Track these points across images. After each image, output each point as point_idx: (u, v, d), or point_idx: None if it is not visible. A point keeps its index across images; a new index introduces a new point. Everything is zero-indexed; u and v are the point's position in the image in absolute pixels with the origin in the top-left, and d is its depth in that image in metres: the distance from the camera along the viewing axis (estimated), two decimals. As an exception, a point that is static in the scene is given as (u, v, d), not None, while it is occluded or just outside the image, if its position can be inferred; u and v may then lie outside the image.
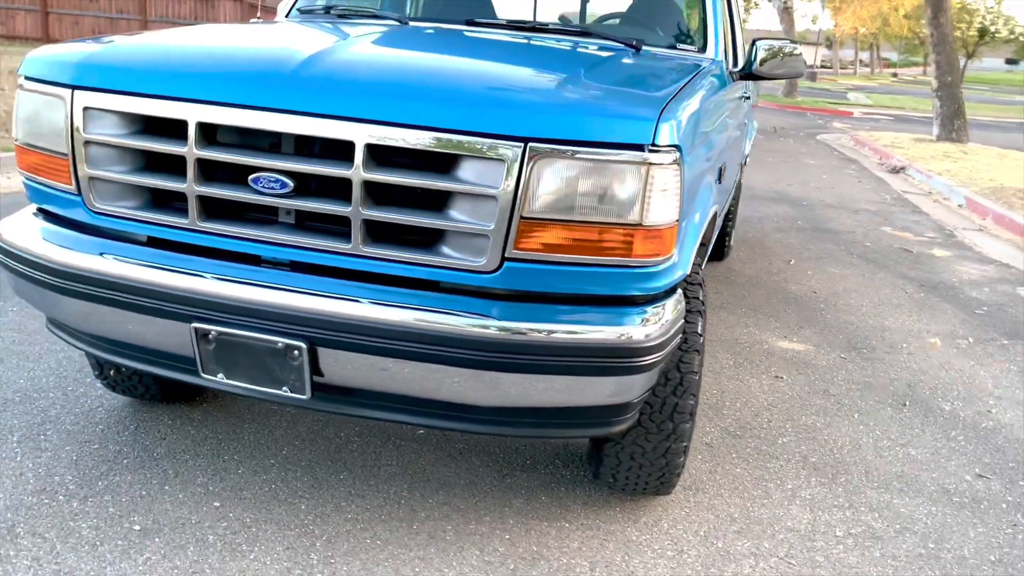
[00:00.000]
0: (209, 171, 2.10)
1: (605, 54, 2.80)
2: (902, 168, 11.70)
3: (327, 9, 3.43)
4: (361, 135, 1.95)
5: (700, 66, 2.87)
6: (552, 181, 1.93)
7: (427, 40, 2.85)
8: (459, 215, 1.99)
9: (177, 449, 2.77)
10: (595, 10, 3.87)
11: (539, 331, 1.98)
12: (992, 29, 54.72)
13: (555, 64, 2.66)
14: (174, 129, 2.12)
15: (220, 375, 2.15)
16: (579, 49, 2.88)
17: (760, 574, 2.35)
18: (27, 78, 2.30)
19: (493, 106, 1.98)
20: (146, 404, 3.05)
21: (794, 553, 2.46)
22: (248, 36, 2.67)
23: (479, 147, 1.93)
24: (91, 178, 2.18)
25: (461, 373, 2.01)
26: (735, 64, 3.81)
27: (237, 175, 2.09)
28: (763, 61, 3.42)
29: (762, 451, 3.07)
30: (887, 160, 12.45)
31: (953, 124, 14.35)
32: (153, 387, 2.92)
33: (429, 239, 2.05)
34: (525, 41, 2.94)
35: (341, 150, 2.00)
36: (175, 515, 2.42)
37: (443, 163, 1.98)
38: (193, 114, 2.04)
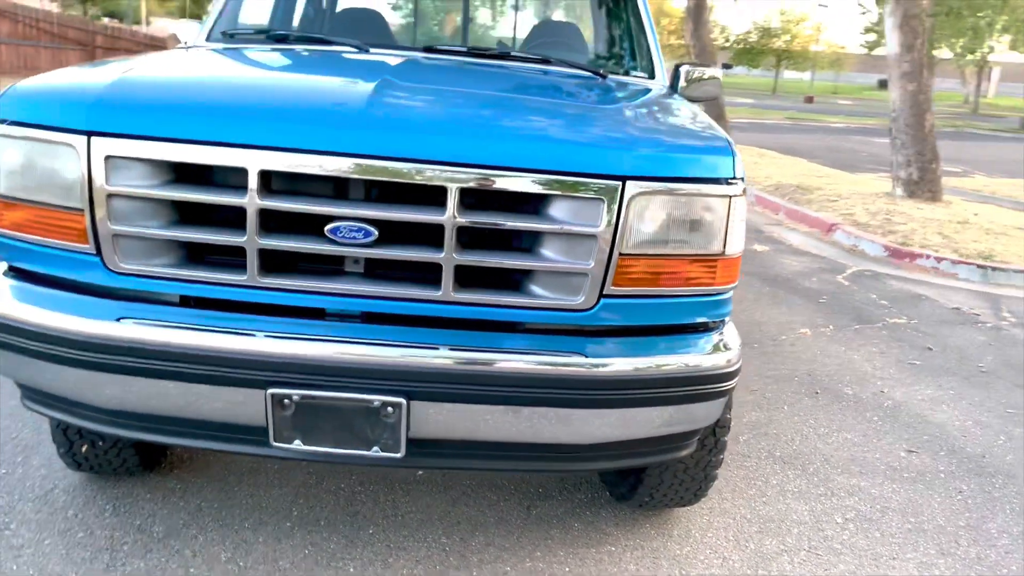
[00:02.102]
0: (268, 222, 1.94)
1: (609, 86, 2.87)
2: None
3: (263, 33, 3.22)
4: (455, 180, 1.89)
5: (672, 95, 3.01)
6: (648, 217, 1.98)
7: (447, 74, 2.75)
8: (552, 255, 1.99)
9: (176, 525, 2.50)
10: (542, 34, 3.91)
11: (647, 366, 2.02)
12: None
13: (593, 99, 2.67)
14: (225, 178, 1.94)
15: (296, 442, 1.99)
16: (576, 82, 2.91)
17: (800, 568, 2.53)
18: (11, 122, 1.99)
19: (592, 147, 2.00)
20: (109, 480, 2.72)
21: (815, 544, 2.67)
22: (269, 69, 2.48)
23: (578, 187, 1.94)
24: (115, 235, 1.94)
25: (566, 414, 2.01)
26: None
27: (306, 225, 1.95)
28: (686, 85, 3.64)
29: (733, 451, 3.28)
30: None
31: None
32: (132, 459, 2.62)
33: (516, 280, 2.03)
34: (525, 74, 2.92)
35: (430, 195, 1.93)
36: (222, 599, 2.21)
37: (536, 204, 1.97)
38: (255, 161, 1.88)
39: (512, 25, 4.89)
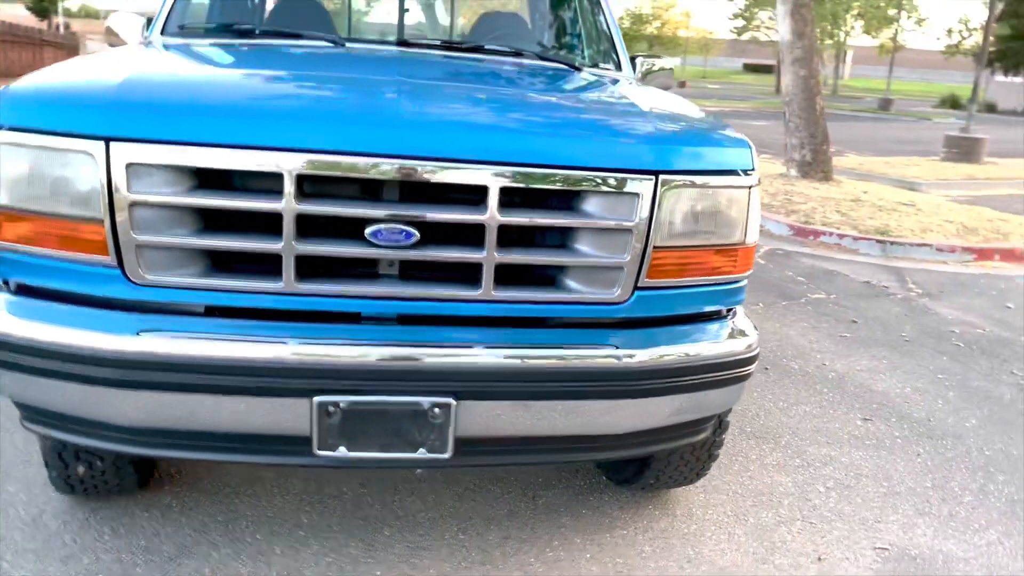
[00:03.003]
0: (304, 227, 1.89)
1: (596, 79, 2.91)
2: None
3: (226, 28, 3.10)
4: (496, 178, 1.90)
5: (662, 90, 3.08)
6: (679, 210, 2.04)
7: (448, 70, 2.72)
8: (587, 249, 2.02)
9: (184, 542, 2.41)
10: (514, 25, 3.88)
11: (682, 355, 2.08)
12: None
13: (603, 95, 2.70)
14: (256, 182, 1.89)
15: (341, 448, 1.96)
16: (566, 75, 2.93)
17: (800, 537, 2.67)
18: (13, 128, 1.87)
19: (628, 143, 2.04)
20: (99, 501, 2.58)
21: (807, 514, 2.82)
22: (276, 68, 2.40)
23: (614, 183, 1.97)
24: (139, 245, 1.86)
25: (608, 405, 2.05)
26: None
27: (344, 229, 1.91)
28: (642, 77, 3.72)
29: (708, 430, 3.40)
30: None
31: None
32: (130, 477, 2.50)
33: (550, 276, 2.05)
34: (517, 68, 2.91)
35: (470, 194, 1.93)
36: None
37: (572, 200, 1.99)
38: (291, 165, 1.83)
39: (449, 14, 4.88)
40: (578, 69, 3.09)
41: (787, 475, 3.08)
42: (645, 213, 1.99)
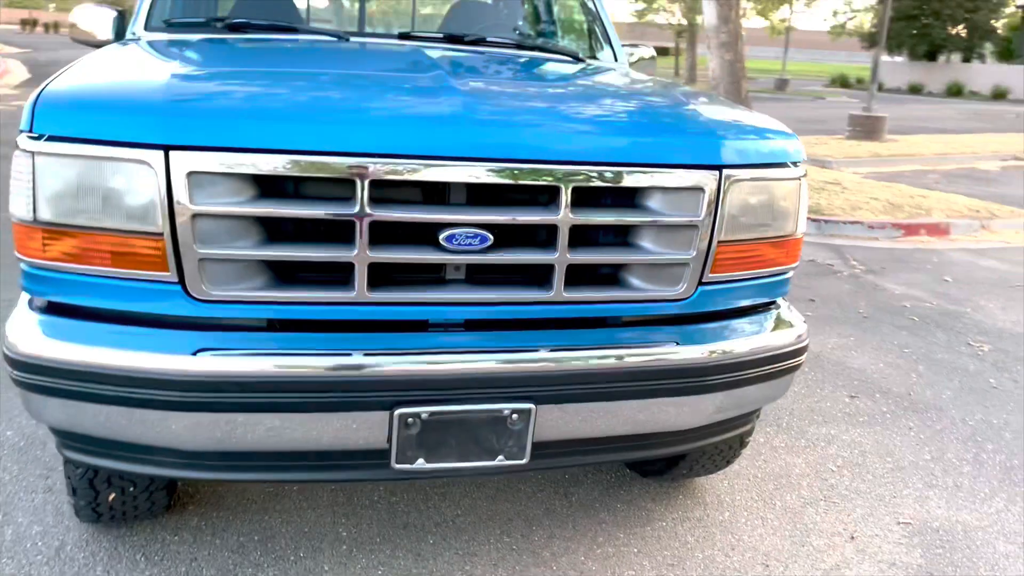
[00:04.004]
0: (376, 234, 1.82)
1: (613, 70, 2.90)
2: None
3: (211, 23, 2.94)
4: (568, 179, 1.87)
5: (665, 79, 3.08)
6: (740, 204, 2.06)
7: (484, 66, 2.66)
8: (653, 246, 2.01)
9: (226, 565, 2.31)
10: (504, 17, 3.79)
11: (748, 348, 2.10)
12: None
13: (647, 89, 2.70)
14: (325, 189, 1.81)
15: (420, 460, 1.91)
16: (598, 69, 2.90)
17: (828, 517, 2.74)
18: (57, 138, 1.73)
19: (694, 139, 2.04)
20: (121, 529, 2.44)
21: (828, 494, 2.89)
22: (318, 66, 2.30)
23: (681, 179, 1.97)
24: (202, 259, 1.75)
25: (680, 401, 2.05)
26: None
27: (417, 235, 1.85)
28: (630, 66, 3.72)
29: (710, 416, 3.45)
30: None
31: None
32: (162, 501, 2.36)
33: (614, 275, 2.03)
34: (540, 62, 2.87)
35: (542, 195, 1.89)
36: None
37: (639, 198, 1.98)
38: (366, 170, 1.76)
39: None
40: (581, 60, 3.07)
41: (798, 456, 3.15)
42: (710, 209, 1.99)
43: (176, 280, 1.78)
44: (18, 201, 1.78)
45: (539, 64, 2.80)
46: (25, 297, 1.93)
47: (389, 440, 1.87)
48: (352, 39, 2.85)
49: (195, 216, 1.73)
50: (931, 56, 38.36)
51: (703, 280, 2.06)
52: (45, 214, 1.76)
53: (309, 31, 2.85)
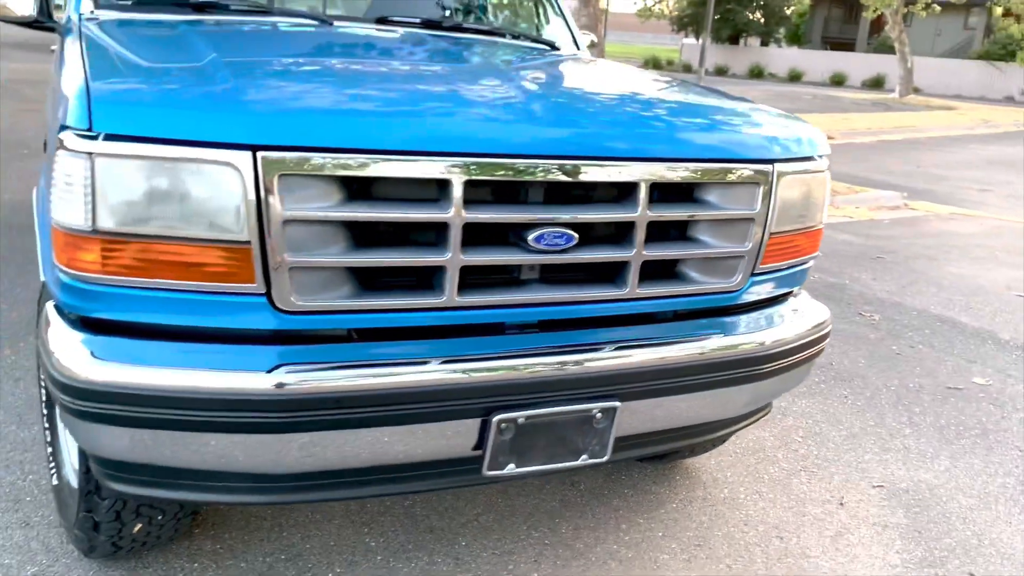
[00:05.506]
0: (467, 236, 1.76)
1: (595, 60, 2.90)
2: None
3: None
4: (645, 175, 1.88)
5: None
6: (788, 196, 2.14)
7: (510, 57, 2.58)
8: (713, 240, 2.06)
9: (262, 590, 2.16)
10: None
11: (797, 334, 2.19)
12: None
13: (670, 81, 2.70)
14: (416, 191, 1.72)
15: (511, 466, 1.88)
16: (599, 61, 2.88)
17: (813, 485, 2.92)
18: (119, 137, 1.55)
19: (751, 134, 2.09)
20: (128, 559, 2.22)
21: (804, 464, 3.08)
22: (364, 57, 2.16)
23: (743, 173, 2.03)
24: (293, 268, 1.64)
25: (739, 389, 2.12)
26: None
27: (499, 236, 1.81)
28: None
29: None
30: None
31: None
32: (186, 527, 2.17)
33: (672, 269, 2.07)
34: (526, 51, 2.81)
35: (619, 192, 1.90)
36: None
37: (703, 193, 2.02)
38: (461, 171, 1.69)
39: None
40: (557, 48, 3.07)
41: (764, 430, 3.32)
42: (765, 201, 2.06)
43: (263, 291, 1.64)
44: (69, 208, 1.58)
45: (551, 58, 2.78)
46: (56, 314, 1.72)
47: (482, 446, 1.81)
48: (336, 24, 2.69)
49: (286, 222, 1.60)
50: (734, 40, 40.85)
51: (755, 271, 2.12)
52: (107, 223, 1.57)
53: (283, 12, 2.66)
